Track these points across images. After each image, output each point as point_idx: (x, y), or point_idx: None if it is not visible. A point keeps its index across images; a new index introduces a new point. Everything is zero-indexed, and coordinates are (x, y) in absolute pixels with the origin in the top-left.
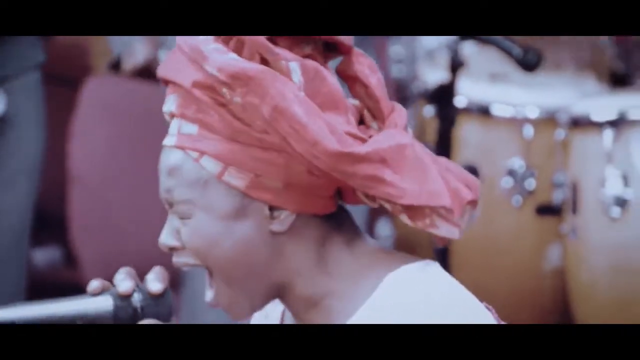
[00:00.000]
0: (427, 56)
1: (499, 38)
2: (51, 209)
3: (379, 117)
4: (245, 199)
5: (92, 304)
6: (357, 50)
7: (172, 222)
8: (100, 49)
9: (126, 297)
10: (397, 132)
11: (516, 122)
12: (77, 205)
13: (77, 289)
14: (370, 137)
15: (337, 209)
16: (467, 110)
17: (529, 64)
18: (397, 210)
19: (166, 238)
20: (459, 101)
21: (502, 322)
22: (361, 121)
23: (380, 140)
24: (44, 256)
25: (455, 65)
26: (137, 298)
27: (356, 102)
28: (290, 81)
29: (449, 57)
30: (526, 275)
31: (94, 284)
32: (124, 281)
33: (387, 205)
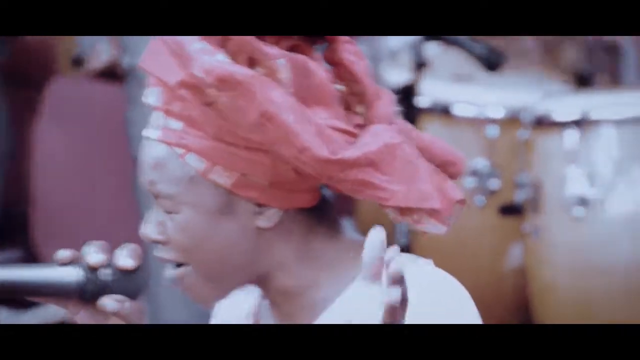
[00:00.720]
0: (390, 56)
1: (462, 38)
2: (13, 210)
3: (365, 102)
4: (231, 196)
5: (61, 272)
6: (343, 37)
7: (157, 214)
8: (65, 49)
9: (95, 270)
10: (386, 129)
11: (479, 122)
12: (39, 207)
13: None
14: (356, 125)
15: (321, 200)
16: (431, 110)
17: (491, 63)
18: (385, 207)
19: (150, 230)
20: (423, 101)
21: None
22: (348, 106)
23: (369, 143)
24: (4, 258)
25: (419, 65)
26: (106, 272)
27: (342, 87)
28: (278, 85)
29: (413, 57)
30: (488, 274)
31: (64, 253)
32: (94, 254)
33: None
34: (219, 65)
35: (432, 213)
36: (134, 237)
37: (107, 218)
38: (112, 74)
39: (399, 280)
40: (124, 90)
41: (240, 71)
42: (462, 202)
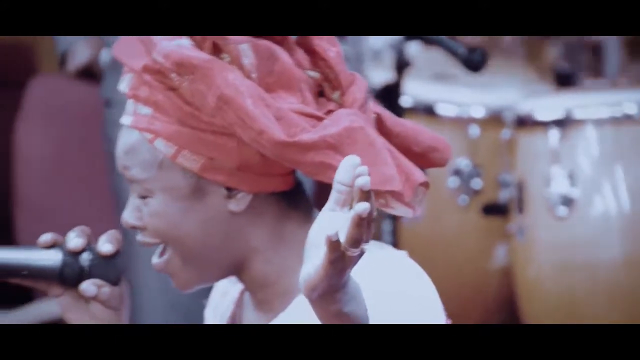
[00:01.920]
0: (373, 56)
1: (443, 38)
2: None
3: (339, 89)
4: (200, 180)
5: (41, 255)
6: None
7: (133, 200)
8: (45, 49)
9: (75, 254)
10: (349, 114)
11: (462, 122)
12: (23, 207)
13: (22, 288)
14: (329, 111)
15: (295, 186)
16: (413, 110)
17: (474, 63)
18: None
19: (128, 216)
20: (405, 101)
21: (449, 321)
22: (322, 93)
23: (329, 126)
24: None
25: (401, 65)
26: (85, 257)
27: (316, 74)
28: (236, 69)
29: (395, 57)
30: (472, 274)
31: (45, 237)
32: (75, 238)
33: None
34: (177, 49)
35: (396, 196)
36: None
37: (90, 217)
38: (90, 73)
39: (366, 195)
40: (102, 89)
41: (197, 55)
42: (425, 184)
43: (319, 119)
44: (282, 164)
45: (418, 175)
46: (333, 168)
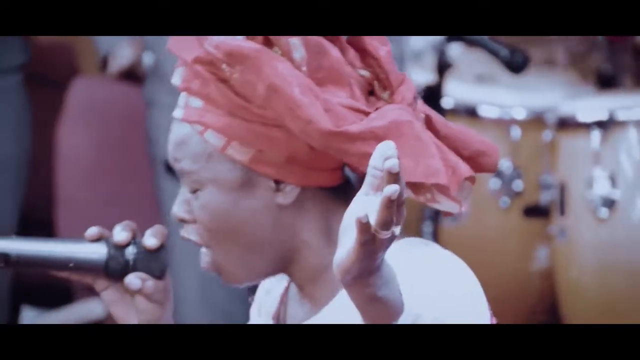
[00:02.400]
0: (414, 57)
1: (485, 39)
2: (37, 212)
3: (389, 88)
4: (249, 173)
5: (87, 248)
6: None
7: (183, 193)
8: (86, 49)
9: (121, 248)
10: (398, 108)
11: (503, 123)
12: (63, 208)
13: (64, 290)
14: (378, 109)
15: (344, 182)
16: (454, 112)
17: (515, 65)
18: None
19: (177, 209)
20: (446, 102)
21: (494, 319)
22: (372, 92)
23: (376, 118)
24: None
25: (443, 67)
26: (131, 250)
27: (366, 73)
28: (286, 60)
29: (436, 58)
30: (513, 276)
31: (92, 230)
32: (121, 232)
33: None
34: (228, 40)
35: (443, 189)
36: None
37: (130, 217)
38: (133, 75)
39: (395, 177)
40: (144, 90)
41: (247, 45)
42: (471, 179)
43: (367, 114)
44: (331, 158)
45: (464, 169)
46: None
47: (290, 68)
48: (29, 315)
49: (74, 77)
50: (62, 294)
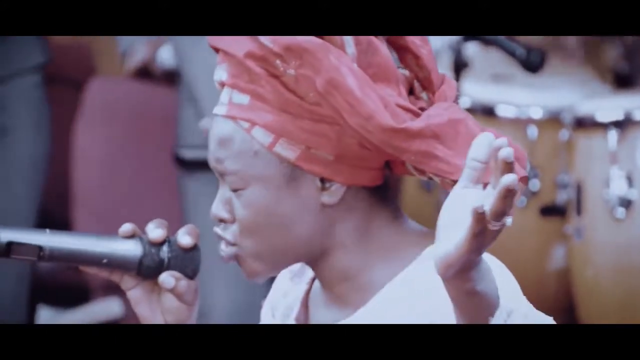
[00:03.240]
0: None
1: (502, 39)
2: (55, 211)
3: (430, 88)
4: (295, 171)
5: (122, 245)
6: None
7: (223, 192)
8: (104, 50)
9: (155, 245)
10: (451, 106)
11: (520, 123)
12: (81, 208)
13: (81, 292)
14: (420, 108)
15: (384, 183)
16: (471, 111)
17: (532, 64)
18: (447, 184)
19: (217, 208)
20: (463, 102)
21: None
22: (411, 91)
23: (434, 115)
24: None
25: (459, 66)
26: (165, 249)
27: (406, 72)
28: (344, 54)
29: (453, 57)
30: (530, 275)
31: (127, 227)
32: (155, 229)
33: (436, 179)
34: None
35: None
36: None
37: (149, 216)
38: (147, 72)
39: (510, 166)
40: (177, 91)
41: (306, 39)
42: (523, 179)
43: (415, 113)
44: (377, 157)
45: (517, 169)
46: (436, 157)
47: (350, 63)
48: (46, 315)
49: (92, 77)
50: (79, 294)
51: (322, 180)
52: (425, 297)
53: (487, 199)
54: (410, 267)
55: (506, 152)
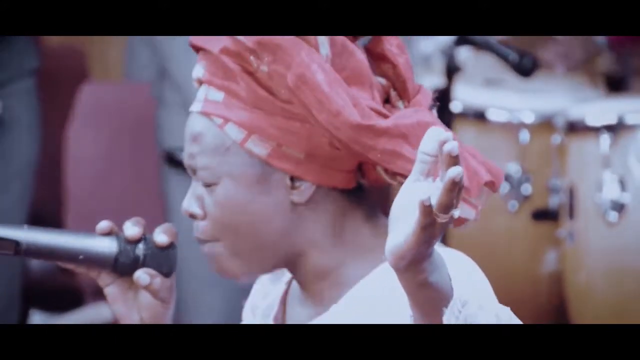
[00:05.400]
0: (423, 61)
1: (494, 43)
2: (47, 214)
3: (405, 96)
4: (266, 168)
5: (98, 242)
6: None
7: (195, 189)
8: (96, 54)
9: (131, 243)
10: (421, 110)
11: (512, 127)
12: (72, 211)
13: (72, 293)
14: None
15: (357, 186)
16: (463, 115)
17: (524, 69)
18: None
19: (188, 204)
20: (455, 106)
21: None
22: (387, 100)
23: (402, 116)
24: (40, 260)
25: (451, 71)
26: (141, 246)
27: (383, 80)
28: (316, 52)
29: (445, 62)
30: (522, 280)
31: (103, 224)
32: (132, 227)
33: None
34: None
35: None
36: None
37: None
38: None
39: (455, 160)
40: (154, 92)
41: (279, 36)
42: (490, 184)
43: (386, 116)
44: (348, 158)
45: (484, 174)
46: (402, 157)
47: (321, 60)
48: (38, 319)
49: (84, 81)
50: (70, 298)
51: (292, 178)
52: (398, 294)
53: (434, 192)
54: (384, 264)
55: (450, 146)
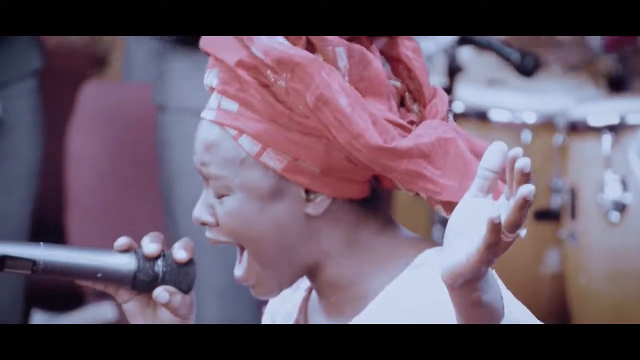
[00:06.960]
0: (425, 61)
1: (497, 43)
2: (49, 215)
3: (421, 101)
4: (281, 181)
5: (116, 259)
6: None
7: (207, 197)
8: (98, 55)
9: (150, 260)
10: (441, 124)
11: (514, 127)
12: (74, 212)
13: (75, 295)
14: (410, 122)
15: (372, 194)
16: (465, 115)
17: (526, 69)
18: (433, 202)
19: (200, 213)
20: (457, 106)
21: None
22: (402, 103)
23: (423, 135)
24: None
25: (453, 70)
26: (160, 263)
27: (398, 83)
28: (336, 70)
29: (447, 62)
30: (524, 280)
31: (122, 241)
32: (151, 243)
33: (423, 196)
34: (278, 46)
35: None
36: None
37: (140, 219)
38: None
39: (527, 177)
40: (154, 94)
41: (299, 53)
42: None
43: (405, 128)
44: (364, 171)
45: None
46: (423, 177)
47: (341, 79)
48: (40, 319)
49: (86, 82)
50: (72, 298)
51: (307, 191)
52: (418, 304)
53: (502, 210)
54: (402, 274)
55: (523, 162)
